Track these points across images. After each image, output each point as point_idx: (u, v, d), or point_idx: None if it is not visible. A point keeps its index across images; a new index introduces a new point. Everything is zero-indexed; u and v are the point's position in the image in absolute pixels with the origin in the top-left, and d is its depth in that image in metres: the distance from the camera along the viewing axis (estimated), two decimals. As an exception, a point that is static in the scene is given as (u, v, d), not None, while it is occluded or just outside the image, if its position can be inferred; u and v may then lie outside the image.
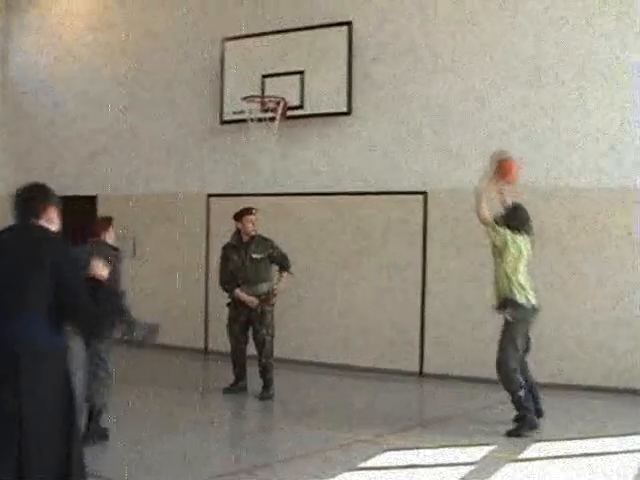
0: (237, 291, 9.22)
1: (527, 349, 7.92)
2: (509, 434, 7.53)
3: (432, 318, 10.77)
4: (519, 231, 7.75)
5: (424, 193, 10.82)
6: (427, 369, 10.78)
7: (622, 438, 7.52)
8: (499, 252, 7.72)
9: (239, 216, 9.31)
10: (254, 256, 9.23)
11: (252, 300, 9.13)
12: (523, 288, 7.67)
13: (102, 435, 7.15)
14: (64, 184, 14.15)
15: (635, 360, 9.50)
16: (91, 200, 13.89)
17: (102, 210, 13.60)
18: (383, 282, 11.12)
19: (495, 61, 10.42)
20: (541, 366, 9.06)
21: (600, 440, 7.43)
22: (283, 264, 9.33)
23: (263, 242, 9.31)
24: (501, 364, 7.67)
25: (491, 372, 7.86)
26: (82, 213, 13.96)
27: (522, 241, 7.74)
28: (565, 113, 10.01)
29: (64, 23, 14.44)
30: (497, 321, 7.83)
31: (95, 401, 7.13)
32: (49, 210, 4.08)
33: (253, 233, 9.26)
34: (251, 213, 9.28)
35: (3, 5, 15.07)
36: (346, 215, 11.43)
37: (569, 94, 9.98)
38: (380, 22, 11.20)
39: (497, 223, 7.75)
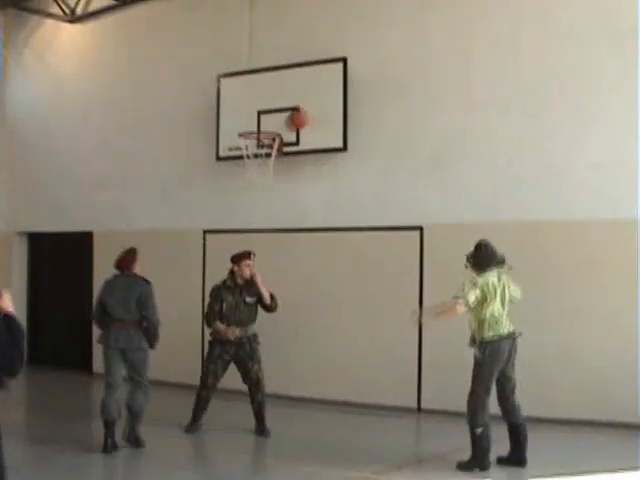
0: (218, 323, 9.17)
1: (512, 391, 7.70)
2: (458, 465, 7.48)
3: (429, 353, 10.69)
4: (488, 267, 7.69)
5: (420, 228, 10.82)
6: (425, 405, 10.70)
7: (618, 473, 7.44)
8: (479, 303, 7.63)
9: (237, 259, 9.22)
10: (247, 300, 9.19)
11: (233, 331, 9.06)
12: (496, 323, 7.59)
13: (139, 442, 8.26)
14: (60, 220, 14.29)
15: (625, 393, 9.39)
16: (87, 236, 13.91)
17: (98, 246, 13.63)
18: (380, 317, 11.06)
19: (492, 95, 10.43)
20: (537, 400, 8.98)
21: (597, 475, 7.34)
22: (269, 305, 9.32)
23: (252, 286, 9.22)
24: (470, 403, 7.60)
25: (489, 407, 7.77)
26: (78, 248, 14.06)
27: (494, 278, 7.65)
28: (565, 146, 9.98)
29: (61, 61, 14.55)
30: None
31: (133, 406, 8.31)
32: None
33: (248, 277, 9.20)
34: (249, 257, 9.21)
35: (0, 44, 15.19)
36: (342, 251, 11.41)
37: (568, 127, 9.96)
38: (375, 58, 11.26)
39: (466, 264, 7.77)
